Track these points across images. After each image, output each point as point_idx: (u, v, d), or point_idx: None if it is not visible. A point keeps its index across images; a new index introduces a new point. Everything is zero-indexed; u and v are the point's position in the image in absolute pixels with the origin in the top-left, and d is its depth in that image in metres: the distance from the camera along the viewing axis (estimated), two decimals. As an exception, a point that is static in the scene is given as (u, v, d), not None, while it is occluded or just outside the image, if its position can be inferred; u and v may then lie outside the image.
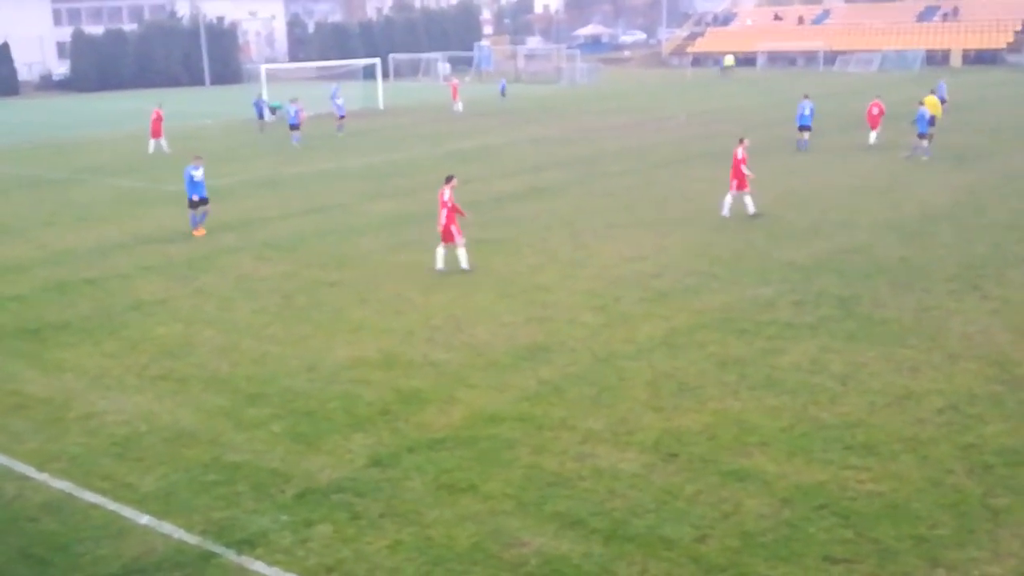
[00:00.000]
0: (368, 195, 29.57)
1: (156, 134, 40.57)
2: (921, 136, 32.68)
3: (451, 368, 14.01)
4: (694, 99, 64.22)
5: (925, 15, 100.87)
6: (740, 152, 23.85)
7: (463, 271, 19.22)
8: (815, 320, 15.72)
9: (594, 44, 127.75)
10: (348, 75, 68.74)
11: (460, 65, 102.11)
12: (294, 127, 42.69)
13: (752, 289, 17.64)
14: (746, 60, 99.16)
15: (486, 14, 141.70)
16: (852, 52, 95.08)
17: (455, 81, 64.92)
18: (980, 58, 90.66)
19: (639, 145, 40.21)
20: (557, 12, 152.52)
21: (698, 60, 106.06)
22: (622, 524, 9.52)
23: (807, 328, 15.31)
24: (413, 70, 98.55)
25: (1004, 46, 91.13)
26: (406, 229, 24.04)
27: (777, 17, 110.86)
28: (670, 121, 49.43)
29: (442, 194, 19.20)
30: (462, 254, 19.25)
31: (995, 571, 8.57)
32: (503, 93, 68.48)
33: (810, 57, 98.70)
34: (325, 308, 17.29)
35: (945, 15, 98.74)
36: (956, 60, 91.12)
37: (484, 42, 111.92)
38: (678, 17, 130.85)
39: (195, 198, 23.98)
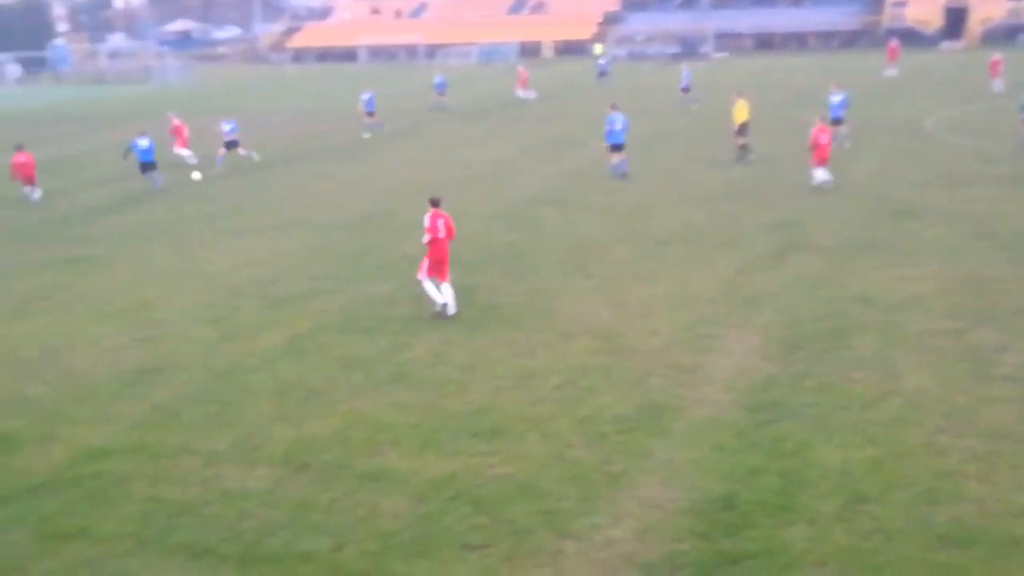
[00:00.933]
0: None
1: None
2: (614, 149, 28.08)
3: (47, 404, 12.57)
4: (298, 96, 63.51)
5: (515, 8, 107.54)
6: None
7: None
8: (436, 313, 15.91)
9: (184, 40, 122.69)
10: None
11: (33, 67, 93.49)
12: None
13: (374, 286, 17.55)
14: (347, 55, 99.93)
15: (59, 10, 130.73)
16: (451, 45, 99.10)
17: None
18: (568, 49, 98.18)
19: (246, 145, 38.85)
20: (140, 7, 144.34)
21: (299, 56, 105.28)
22: (255, 545, 9.03)
23: (429, 321, 15.46)
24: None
25: (589, 37, 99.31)
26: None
27: (375, 11, 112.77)
28: (277, 119, 48.42)
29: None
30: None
31: (617, 534, 9.04)
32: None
33: (411, 50, 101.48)
34: None
35: (534, 8, 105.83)
36: (548, 51, 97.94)
37: (59, 41, 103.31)
38: (273, 12, 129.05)
39: None
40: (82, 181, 31.13)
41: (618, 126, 27.75)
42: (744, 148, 30.01)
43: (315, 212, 24.69)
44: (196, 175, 30.31)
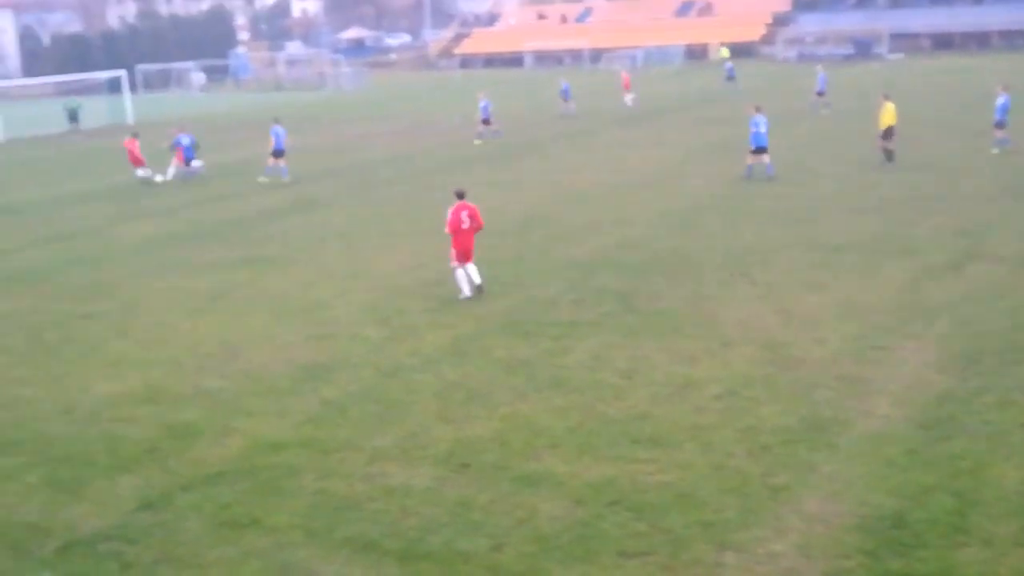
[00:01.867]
0: (121, 217, 27.82)
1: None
2: (757, 151, 28.20)
3: (225, 397, 13.20)
4: (466, 102, 64.74)
5: (682, 11, 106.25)
6: None
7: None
8: (597, 316, 15.92)
9: (358, 48, 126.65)
10: (91, 89, 64.95)
11: (216, 74, 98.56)
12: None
13: (535, 290, 17.70)
14: (513, 60, 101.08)
15: (241, 20, 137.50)
16: (615, 49, 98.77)
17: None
18: (736, 51, 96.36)
19: (412, 150, 39.99)
20: (316, 16, 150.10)
21: (467, 62, 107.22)
22: (416, 542, 9.21)
23: (590, 325, 15.48)
24: (164, 81, 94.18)
25: (758, 38, 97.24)
26: (166, 251, 22.72)
27: (541, 16, 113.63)
28: (443, 125, 49.52)
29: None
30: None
31: (778, 548, 8.81)
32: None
33: (576, 55, 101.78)
34: (79, 343, 15.97)
35: (701, 10, 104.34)
36: (715, 53, 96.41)
37: (240, 49, 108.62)
38: (442, 18, 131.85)
39: None
40: (258, 185, 32.56)
41: (762, 128, 27.93)
42: (888, 152, 29.02)
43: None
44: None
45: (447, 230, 16.96)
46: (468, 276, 17.06)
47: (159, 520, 9.87)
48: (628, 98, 53.45)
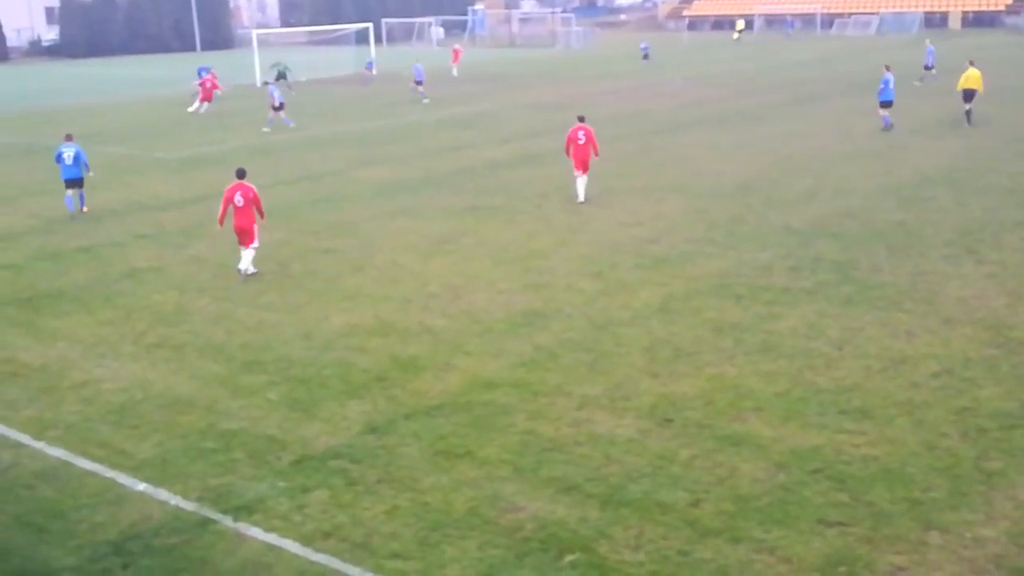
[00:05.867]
0: (362, 162, 29.45)
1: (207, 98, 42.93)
2: (884, 105, 31.71)
3: (447, 335, 13.99)
4: (691, 63, 63.84)
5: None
6: None
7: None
8: (812, 285, 15.70)
9: (589, 8, 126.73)
10: (340, 40, 68.30)
11: (454, 29, 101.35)
12: (281, 107, 37.40)
13: (749, 254, 17.61)
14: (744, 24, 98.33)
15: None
16: (850, 14, 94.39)
17: (457, 46, 64.21)
18: (979, 20, 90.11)
19: (635, 110, 40.01)
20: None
21: (694, 24, 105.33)
22: (618, 489, 9.54)
23: (804, 293, 15.30)
24: (407, 35, 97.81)
25: (1003, 8, 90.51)
26: (400, 196, 23.95)
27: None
28: (667, 86, 49.16)
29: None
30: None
31: (988, 533, 8.60)
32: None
33: (808, 20, 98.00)
34: (320, 276, 17.25)
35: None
36: (955, 22, 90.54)
37: (478, 6, 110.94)
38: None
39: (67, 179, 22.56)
40: (490, 137, 33.62)
41: (891, 85, 31.59)
42: (968, 113, 31.79)
43: (694, 178, 24.97)
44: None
45: (566, 144, 22.24)
46: (581, 185, 22.10)
47: (382, 444, 10.67)
48: (454, 71, 56.66)
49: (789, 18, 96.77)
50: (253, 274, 17.18)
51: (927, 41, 49.89)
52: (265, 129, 36.60)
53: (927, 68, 45.40)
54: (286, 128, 36.73)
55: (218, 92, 44.83)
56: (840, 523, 8.84)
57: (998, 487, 9.35)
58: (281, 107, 37.14)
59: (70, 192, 22.63)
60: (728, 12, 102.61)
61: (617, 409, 11.34)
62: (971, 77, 31.74)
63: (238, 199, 16.80)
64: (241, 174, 17.07)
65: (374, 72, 53.87)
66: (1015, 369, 12.09)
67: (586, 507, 9.24)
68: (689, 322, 14.18)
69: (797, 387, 11.77)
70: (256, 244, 17.16)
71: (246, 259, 17.14)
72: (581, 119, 22.28)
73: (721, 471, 9.82)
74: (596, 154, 22.20)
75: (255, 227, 17.02)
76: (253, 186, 17.11)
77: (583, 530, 8.87)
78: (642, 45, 69.88)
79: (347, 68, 58.98)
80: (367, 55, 55.44)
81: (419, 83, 45.86)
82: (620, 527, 8.91)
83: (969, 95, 31.68)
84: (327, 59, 59.13)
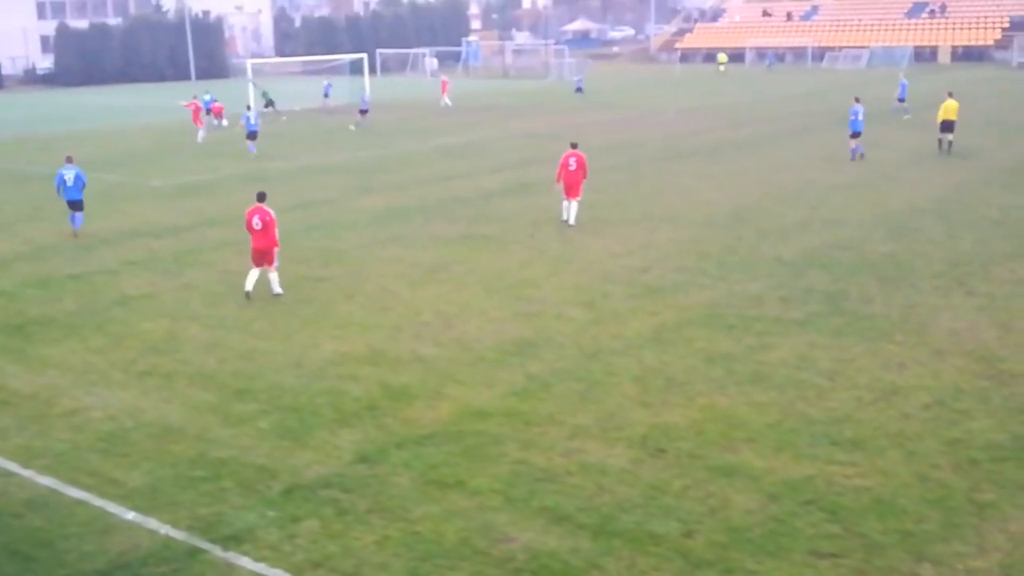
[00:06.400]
0: (355, 190, 29.49)
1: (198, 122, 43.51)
2: (853, 136, 32.38)
3: (438, 364, 13.97)
4: (683, 95, 64.27)
5: (914, 12, 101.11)
6: None
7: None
8: (803, 316, 15.75)
9: (582, 40, 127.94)
10: (335, 70, 68.56)
11: (448, 61, 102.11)
12: (252, 135, 37.40)
13: (741, 284, 17.66)
14: (735, 56, 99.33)
15: (474, 9, 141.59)
16: (840, 48, 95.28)
17: (444, 77, 64.70)
18: (968, 54, 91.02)
19: (627, 140, 40.23)
20: (545, 7, 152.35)
21: (686, 56, 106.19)
22: (610, 519, 9.51)
23: (795, 324, 15.34)
24: (400, 65, 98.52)
25: (992, 43, 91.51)
26: (393, 224, 23.99)
27: (766, 13, 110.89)
28: (659, 117, 49.47)
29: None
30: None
31: (980, 565, 8.59)
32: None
33: (799, 53, 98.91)
34: (312, 304, 17.23)
35: (933, 12, 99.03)
36: (944, 57, 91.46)
37: (472, 37, 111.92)
38: (667, 13, 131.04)
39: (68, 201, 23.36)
40: (482, 166, 33.74)
41: (860, 116, 32.21)
42: (941, 143, 33.04)
43: (686, 208, 25.08)
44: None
45: (558, 171, 22.66)
46: (570, 210, 22.67)
47: (374, 473, 10.62)
48: (445, 101, 57.28)
49: (769, 52, 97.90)
50: (278, 295, 17.41)
51: (900, 75, 51.02)
52: (252, 152, 36.98)
53: (900, 101, 46.46)
54: (281, 156, 36.82)
55: (214, 122, 45.15)
56: (832, 555, 8.82)
57: (990, 519, 9.35)
58: (253, 136, 37.19)
59: (72, 213, 23.35)
60: (720, 45, 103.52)
61: (609, 439, 11.32)
62: (949, 108, 32.94)
63: (256, 223, 17.04)
64: (261, 197, 17.47)
65: (368, 109, 52.48)
66: (1006, 401, 12.12)
67: (578, 537, 9.21)
68: (681, 352, 14.19)
69: (789, 418, 11.77)
70: (278, 264, 17.48)
71: (274, 282, 17.51)
72: (574, 145, 22.95)
73: (713, 502, 9.80)
74: (585, 177, 22.82)
75: (275, 250, 17.24)
76: (271, 210, 17.26)
77: (575, 561, 8.83)
78: (576, 78, 71.24)
79: (341, 99, 59.18)
80: (360, 88, 55.32)
81: (364, 112, 46.94)
82: (612, 558, 8.87)
83: (948, 125, 32.91)
84: (321, 89, 59.30)
